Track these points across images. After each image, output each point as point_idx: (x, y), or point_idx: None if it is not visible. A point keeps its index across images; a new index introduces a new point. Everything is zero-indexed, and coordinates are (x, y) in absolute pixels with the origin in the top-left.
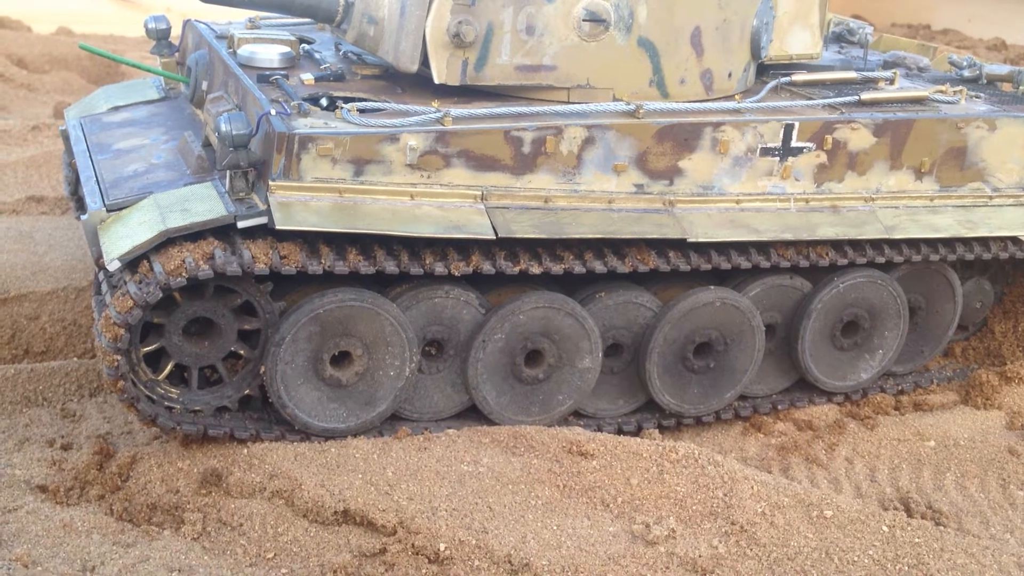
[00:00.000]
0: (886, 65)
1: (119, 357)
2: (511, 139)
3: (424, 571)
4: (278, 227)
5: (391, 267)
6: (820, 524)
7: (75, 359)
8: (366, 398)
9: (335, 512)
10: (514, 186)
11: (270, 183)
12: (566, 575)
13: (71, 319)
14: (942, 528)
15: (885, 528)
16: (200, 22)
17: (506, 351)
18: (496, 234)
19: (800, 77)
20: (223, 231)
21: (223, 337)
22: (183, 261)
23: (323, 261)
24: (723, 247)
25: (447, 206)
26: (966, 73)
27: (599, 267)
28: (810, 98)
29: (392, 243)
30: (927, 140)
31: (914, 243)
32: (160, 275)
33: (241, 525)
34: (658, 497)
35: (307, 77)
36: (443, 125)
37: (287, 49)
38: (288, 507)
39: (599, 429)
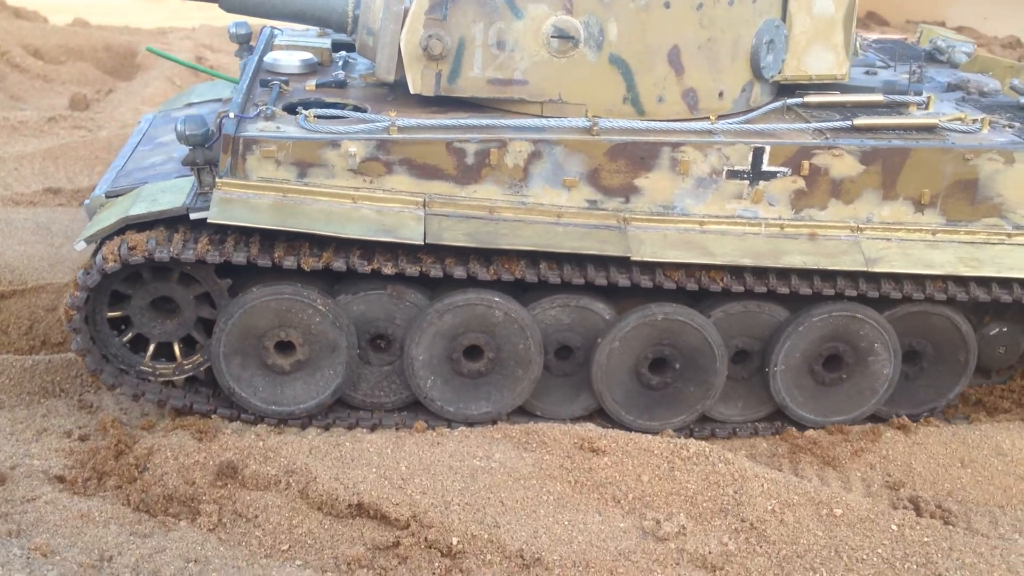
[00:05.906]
0: (950, 88)
1: (77, 314)
2: (453, 150)
3: (437, 564)
4: (210, 220)
5: (264, 261)
6: (830, 522)
7: None
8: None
9: (349, 505)
10: (458, 195)
11: (217, 180)
12: (577, 570)
13: None
14: (951, 527)
15: (894, 527)
16: (277, 28)
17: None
18: (424, 240)
19: (813, 99)
20: (198, 222)
21: (183, 319)
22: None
23: (197, 251)
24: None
25: (386, 210)
26: None
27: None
28: (807, 121)
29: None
30: (926, 170)
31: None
32: (99, 261)
33: (256, 517)
34: (669, 494)
35: (310, 84)
36: (388, 134)
37: (309, 56)
38: (303, 499)
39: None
